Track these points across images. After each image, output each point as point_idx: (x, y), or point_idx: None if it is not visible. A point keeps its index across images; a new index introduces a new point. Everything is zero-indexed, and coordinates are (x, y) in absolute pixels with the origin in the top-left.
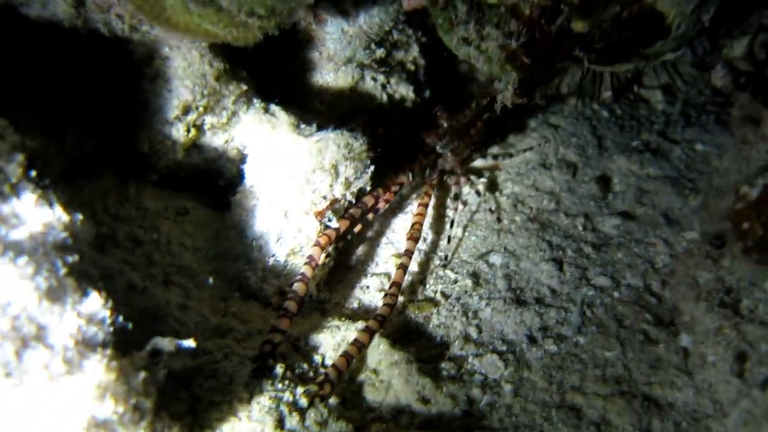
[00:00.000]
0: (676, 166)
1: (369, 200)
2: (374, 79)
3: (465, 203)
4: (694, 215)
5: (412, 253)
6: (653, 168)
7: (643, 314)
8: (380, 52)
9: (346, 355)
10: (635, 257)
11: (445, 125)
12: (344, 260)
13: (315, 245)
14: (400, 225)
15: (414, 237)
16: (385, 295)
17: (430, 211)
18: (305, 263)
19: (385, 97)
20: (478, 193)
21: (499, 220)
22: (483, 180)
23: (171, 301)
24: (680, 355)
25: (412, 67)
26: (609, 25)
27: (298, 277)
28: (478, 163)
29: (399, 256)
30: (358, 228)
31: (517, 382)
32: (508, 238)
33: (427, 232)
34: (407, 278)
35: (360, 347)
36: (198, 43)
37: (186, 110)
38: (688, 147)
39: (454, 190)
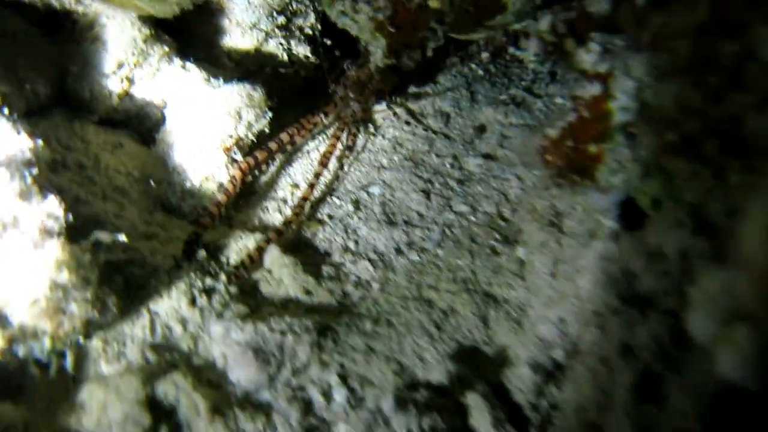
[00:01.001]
0: (536, 116)
1: (284, 137)
2: (276, 41)
3: (353, 146)
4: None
5: (320, 175)
6: (515, 117)
7: (493, 234)
8: (281, 19)
9: (258, 249)
10: (492, 190)
11: (350, 78)
12: (250, 187)
13: (229, 180)
14: (297, 163)
15: (323, 163)
16: (295, 206)
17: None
18: (221, 192)
19: (285, 56)
20: (365, 135)
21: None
22: (370, 125)
23: (108, 211)
24: (517, 263)
25: (310, 32)
26: (458, 2)
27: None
28: (378, 108)
29: (295, 185)
30: (259, 168)
31: (384, 281)
32: (386, 173)
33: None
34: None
35: (268, 242)
36: (130, 14)
37: (119, 66)
38: (549, 100)
39: (352, 130)
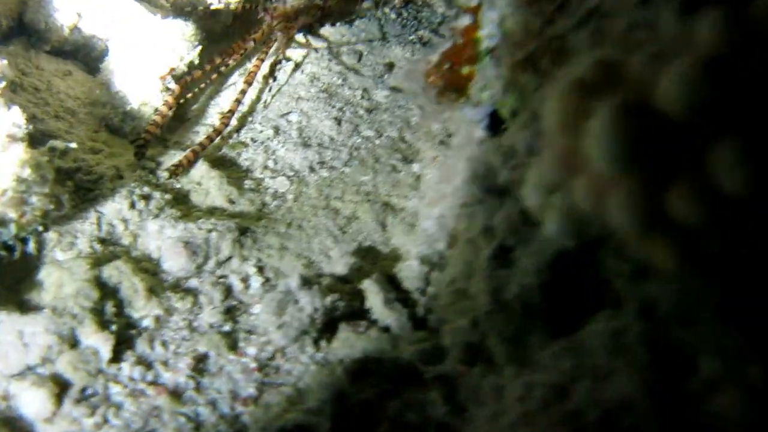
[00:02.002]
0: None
1: (216, 58)
2: None
3: (275, 78)
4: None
5: (245, 92)
6: (421, 55)
7: (395, 155)
8: None
9: (194, 151)
10: (396, 117)
11: (278, 8)
12: (183, 113)
13: (164, 102)
14: (225, 93)
15: (248, 81)
16: (222, 117)
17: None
18: (157, 113)
19: None
20: (287, 68)
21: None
22: (290, 62)
23: (60, 128)
24: (413, 177)
25: None
26: None
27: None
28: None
29: (223, 114)
30: (190, 94)
31: (298, 194)
32: (303, 103)
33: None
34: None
35: (202, 147)
36: None
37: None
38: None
39: (280, 56)
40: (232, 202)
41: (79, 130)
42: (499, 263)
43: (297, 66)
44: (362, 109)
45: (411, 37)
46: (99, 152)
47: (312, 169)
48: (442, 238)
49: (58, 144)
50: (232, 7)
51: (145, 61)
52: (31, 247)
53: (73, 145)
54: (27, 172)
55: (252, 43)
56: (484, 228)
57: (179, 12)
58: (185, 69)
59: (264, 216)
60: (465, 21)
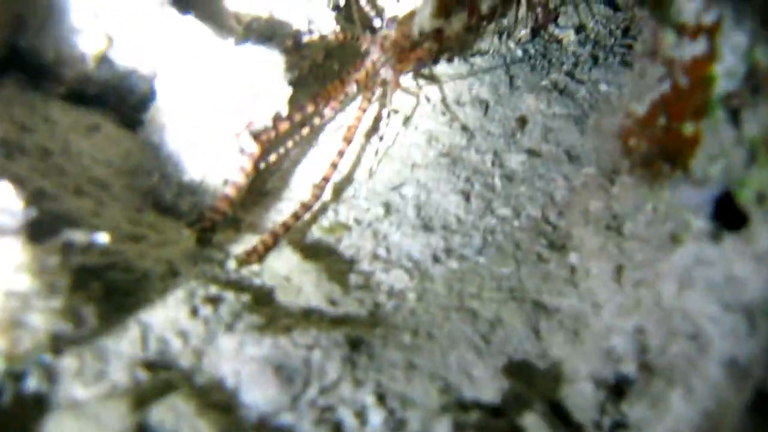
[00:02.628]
0: (580, 105)
1: (309, 106)
2: (292, 4)
3: (382, 136)
4: (594, 152)
5: (344, 153)
6: (559, 107)
7: (539, 240)
8: None
9: (273, 233)
10: (536, 191)
11: (391, 38)
12: (259, 186)
13: (239, 169)
14: (315, 156)
15: (348, 139)
16: (314, 186)
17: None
18: (230, 184)
19: (304, 24)
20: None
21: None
22: (398, 115)
23: (84, 208)
24: (568, 270)
25: None
26: None
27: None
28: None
29: (315, 184)
30: (274, 158)
31: (421, 290)
32: (420, 171)
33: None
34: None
35: (286, 228)
36: None
37: (95, 16)
38: (593, 87)
39: (389, 107)
40: (334, 303)
41: (113, 209)
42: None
43: (408, 120)
44: (494, 180)
45: (544, 83)
46: (142, 240)
47: (437, 259)
48: (632, 358)
49: (78, 236)
50: (330, 38)
51: (212, 107)
52: (33, 383)
53: (102, 237)
54: (25, 282)
55: (355, 86)
56: (725, 360)
57: (258, 37)
58: (269, 120)
59: (379, 322)
60: (693, 49)
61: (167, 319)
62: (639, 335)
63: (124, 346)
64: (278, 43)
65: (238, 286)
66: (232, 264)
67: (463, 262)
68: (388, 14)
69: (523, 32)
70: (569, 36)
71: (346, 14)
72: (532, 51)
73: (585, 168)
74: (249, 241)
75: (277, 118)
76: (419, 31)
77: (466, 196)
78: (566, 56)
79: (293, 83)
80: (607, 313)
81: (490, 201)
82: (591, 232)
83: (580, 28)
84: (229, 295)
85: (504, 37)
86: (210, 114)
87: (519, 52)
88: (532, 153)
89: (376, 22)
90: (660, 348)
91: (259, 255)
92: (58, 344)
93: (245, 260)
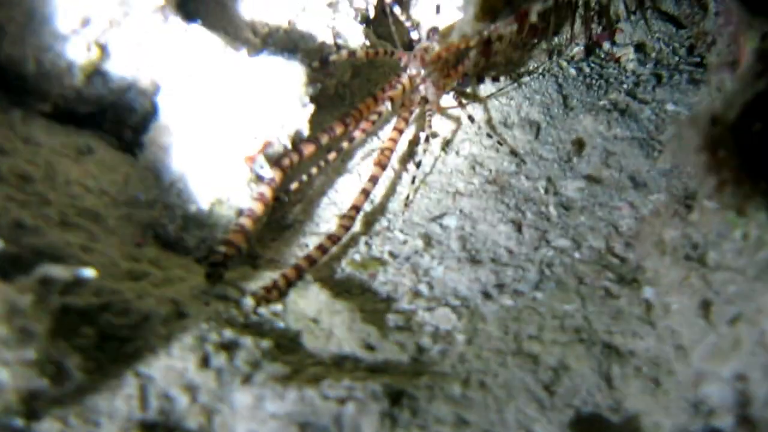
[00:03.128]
0: (645, 127)
1: (338, 127)
2: (318, 16)
3: (419, 163)
4: (662, 178)
5: (378, 179)
6: (621, 129)
7: (605, 273)
8: None
9: (296, 268)
10: (598, 221)
11: (433, 51)
12: (279, 218)
13: (257, 197)
14: (344, 185)
15: (382, 164)
16: (342, 216)
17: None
18: (245, 215)
19: (329, 36)
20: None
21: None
22: (438, 137)
23: (72, 243)
24: (642, 306)
25: (362, 5)
26: None
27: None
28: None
29: (343, 217)
30: (296, 186)
31: (471, 332)
32: (463, 200)
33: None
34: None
35: (311, 262)
36: None
37: (84, 23)
38: (659, 107)
39: (429, 129)
40: (370, 348)
41: (107, 244)
42: None
43: (448, 143)
44: (549, 208)
45: (602, 102)
46: (142, 278)
47: (487, 296)
48: (731, 410)
49: (59, 272)
50: (359, 53)
51: (223, 127)
52: None
53: (89, 272)
54: None
55: (389, 105)
56: None
57: (277, 49)
58: (288, 142)
59: (423, 370)
60: None
61: (172, 370)
62: (738, 382)
63: (119, 404)
64: (300, 56)
65: (258, 329)
66: (249, 302)
67: (518, 298)
68: (425, 26)
69: (577, 50)
70: (628, 54)
71: (377, 27)
72: (587, 70)
73: (654, 194)
74: (268, 276)
75: (300, 141)
76: (460, 36)
77: (518, 227)
78: (626, 75)
79: (316, 100)
80: (695, 356)
81: (545, 231)
82: (667, 263)
83: (639, 46)
84: (247, 341)
85: (555, 55)
86: (221, 134)
87: (572, 71)
88: (591, 179)
89: (413, 35)
90: (766, 398)
91: (279, 291)
92: (33, 405)
93: (264, 297)
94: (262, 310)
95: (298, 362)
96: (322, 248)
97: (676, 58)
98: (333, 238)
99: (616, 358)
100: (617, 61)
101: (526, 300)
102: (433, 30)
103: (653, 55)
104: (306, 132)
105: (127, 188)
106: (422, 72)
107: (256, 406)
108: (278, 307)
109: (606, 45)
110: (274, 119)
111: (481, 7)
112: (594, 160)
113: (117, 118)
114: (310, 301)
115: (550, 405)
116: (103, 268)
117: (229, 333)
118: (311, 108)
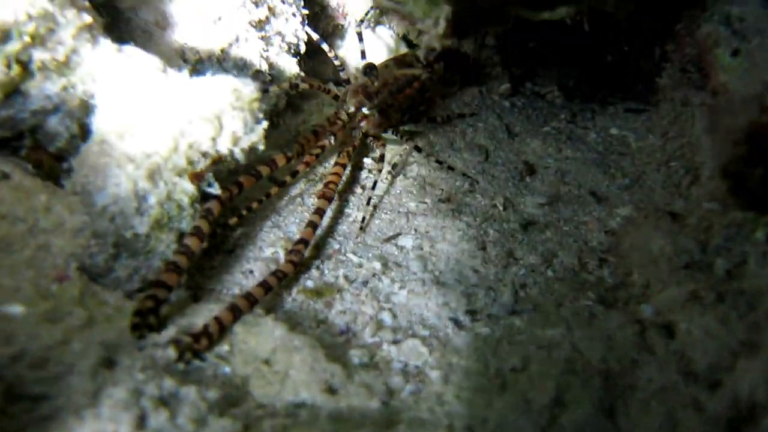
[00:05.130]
0: (595, 148)
1: (279, 159)
2: (252, 44)
3: (374, 185)
4: (624, 192)
5: (324, 212)
6: (571, 150)
7: (584, 292)
8: (258, 13)
9: (232, 309)
10: (565, 236)
11: (377, 85)
12: (219, 243)
13: (201, 216)
14: (287, 208)
15: (327, 196)
16: (290, 252)
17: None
18: (191, 233)
19: (264, 65)
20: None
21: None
22: (385, 161)
23: None
24: (636, 330)
25: (294, 40)
26: None
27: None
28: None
29: (288, 240)
30: (234, 220)
31: (446, 367)
32: (417, 220)
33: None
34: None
35: (252, 302)
36: None
37: (5, 37)
38: (603, 132)
39: (378, 151)
40: (333, 391)
41: (20, 279)
42: None
43: (394, 166)
44: (511, 225)
45: (545, 129)
46: (62, 319)
47: (458, 324)
48: None
49: None
50: (301, 86)
51: (163, 145)
52: None
53: (16, 308)
54: None
55: (332, 139)
56: None
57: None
58: (240, 158)
59: (396, 418)
60: None
61: None
62: None
63: None
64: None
65: (202, 376)
66: (169, 351)
67: (494, 325)
68: (351, 66)
69: (505, 86)
70: (553, 91)
71: (305, 63)
72: (519, 104)
73: (619, 208)
74: (209, 309)
75: (253, 153)
76: (426, 50)
77: (481, 245)
78: (557, 109)
79: (267, 114)
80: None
81: (512, 249)
82: (663, 276)
83: (561, 85)
84: (191, 393)
85: (485, 91)
86: (162, 153)
87: (506, 104)
88: (549, 196)
89: (342, 73)
90: None
91: (210, 339)
92: None
93: (189, 347)
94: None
95: (247, 415)
96: (265, 285)
97: (599, 94)
98: (278, 275)
99: (619, 390)
100: (543, 97)
101: (503, 327)
102: (370, 66)
103: (577, 92)
104: (261, 147)
105: (48, 216)
106: (364, 109)
107: None
108: (224, 347)
109: (528, 85)
110: (226, 135)
111: (451, 23)
112: (549, 179)
113: (38, 142)
114: (263, 339)
115: None
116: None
117: (168, 383)
118: (265, 123)
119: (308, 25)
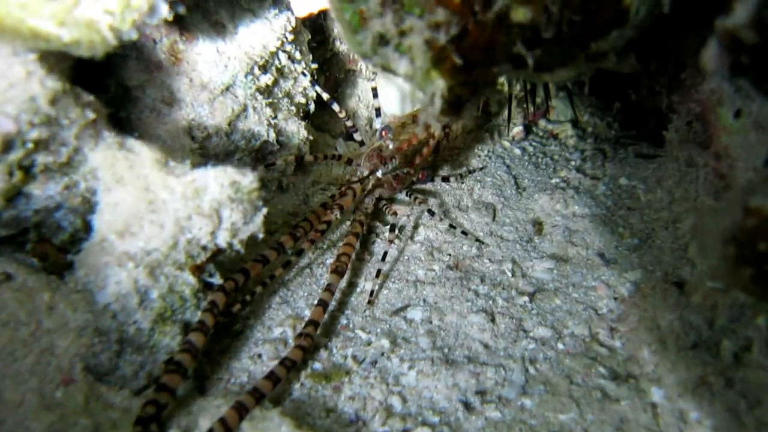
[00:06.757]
0: (603, 203)
1: (287, 241)
2: (259, 114)
3: (384, 257)
4: (633, 254)
5: (335, 288)
6: (579, 206)
7: (595, 368)
8: (266, 79)
9: (238, 408)
10: (575, 303)
11: (393, 148)
12: (227, 324)
13: (206, 309)
14: (296, 280)
15: (339, 271)
16: (299, 335)
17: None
18: (195, 329)
19: (272, 135)
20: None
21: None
22: (391, 226)
23: None
24: (647, 411)
25: (303, 99)
26: (557, 8)
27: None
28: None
29: (297, 317)
30: (237, 307)
31: None
32: (426, 289)
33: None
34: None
35: (259, 398)
36: (22, 49)
37: (7, 146)
38: (612, 182)
39: (390, 219)
40: None
41: (21, 389)
42: None
43: (401, 230)
44: (520, 293)
45: (554, 180)
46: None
47: (469, 407)
48: None
49: None
50: (307, 158)
51: (164, 240)
52: None
53: None
54: None
55: (339, 214)
56: None
57: (218, 154)
58: (240, 249)
59: None
60: None
61: None
62: None
63: None
64: (242, 160)
65: None
66: None
67: (504, 408)
68: (364, 113)
69: (517, 129)
70: (566, 130)
71: (314, 120)
72: (530, 149)
73: (628, 272)
74: (216, 411)
75: (253, 243)
76: (423, 128)
77: (491, 316)
78: (569, 152)
79: (266, 202)
80: None
81: (521, 320)
82: (671, 356)
83: (574, 122)
84: None
85: (496, 136)
86: (163, 248)
87: (517, 151)
88: (558, 258)
89: (358, 134)
90: None
91: None
92: None
93: None
94: None
95: None
96: (273, 378)
97: (612, 132)
98: (287, 363)
99: None
100: (556, 137)
101: (514, 410)
102: (386, 128)
103: (590, 129)
104: (260, 235)
105: (51, 316)
106: (378, 173)
107: None
108: None
109: (542, 122)
110: (225, 228)
111: (447, 100)
112: (557, 239)
113: (43, 236)
114: None
115: None
116: (15, 426)
117: None
118: (264, 210)
119: (319, 70)
